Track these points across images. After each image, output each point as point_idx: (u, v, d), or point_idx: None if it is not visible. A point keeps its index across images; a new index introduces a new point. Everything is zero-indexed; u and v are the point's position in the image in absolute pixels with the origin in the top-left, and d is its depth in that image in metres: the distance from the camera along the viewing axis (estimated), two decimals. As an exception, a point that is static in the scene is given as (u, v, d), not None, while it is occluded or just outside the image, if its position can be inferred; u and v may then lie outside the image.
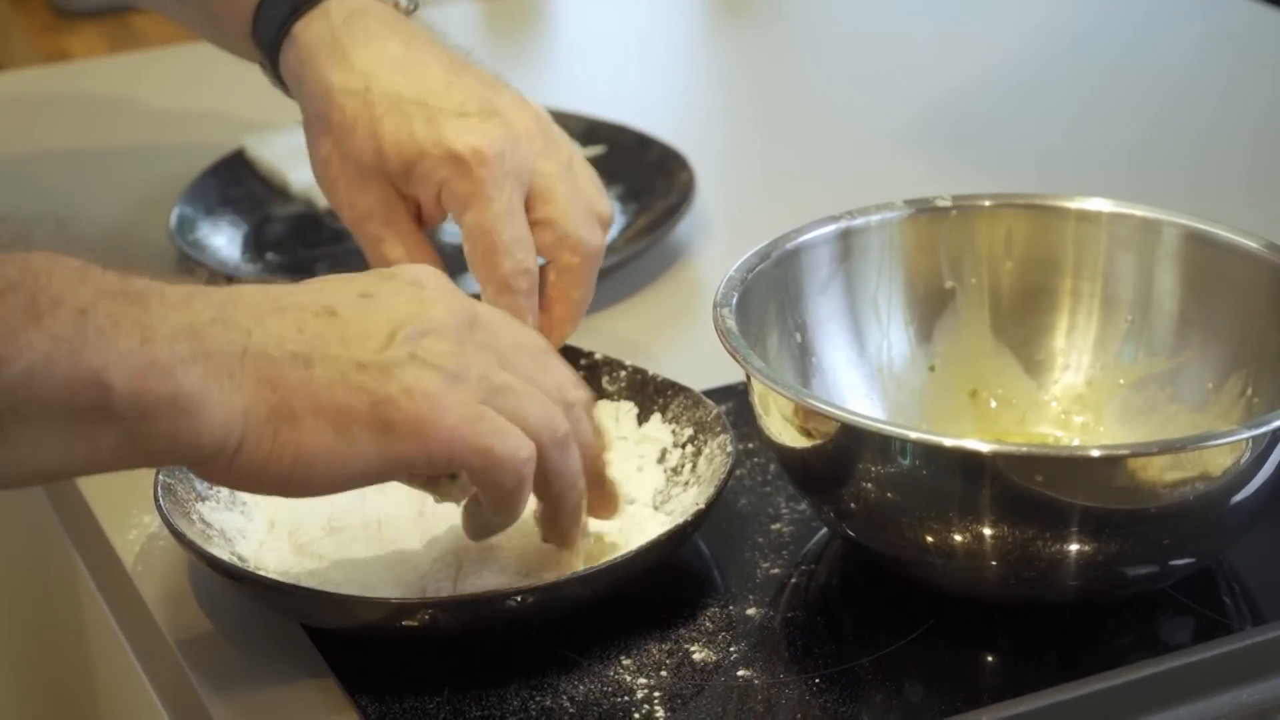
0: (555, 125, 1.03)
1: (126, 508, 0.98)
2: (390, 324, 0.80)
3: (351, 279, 0.83)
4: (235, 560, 0.89)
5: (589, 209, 1.00)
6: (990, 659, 0.89)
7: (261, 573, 0.88)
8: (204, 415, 0.75)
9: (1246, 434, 0.84)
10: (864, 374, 1.00)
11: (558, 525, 0.86)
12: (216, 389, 0.75)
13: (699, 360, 1.04)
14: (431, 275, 0.84)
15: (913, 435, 0.85)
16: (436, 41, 1.05)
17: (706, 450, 0.95)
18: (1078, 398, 1.01)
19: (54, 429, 0.73)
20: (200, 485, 0.93)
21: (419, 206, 1.01)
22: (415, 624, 0.85)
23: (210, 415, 0.75)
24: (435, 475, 0.84)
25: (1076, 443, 1.00)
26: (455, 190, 0.98)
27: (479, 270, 0.97)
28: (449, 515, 0.92)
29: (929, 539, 0.87)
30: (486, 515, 0.84)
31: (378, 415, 0.78)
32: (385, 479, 0.81)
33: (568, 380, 0.86)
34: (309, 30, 1.02)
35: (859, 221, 1.01)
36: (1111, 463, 0.84)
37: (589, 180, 1.03)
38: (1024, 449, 0.87)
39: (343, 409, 0.77)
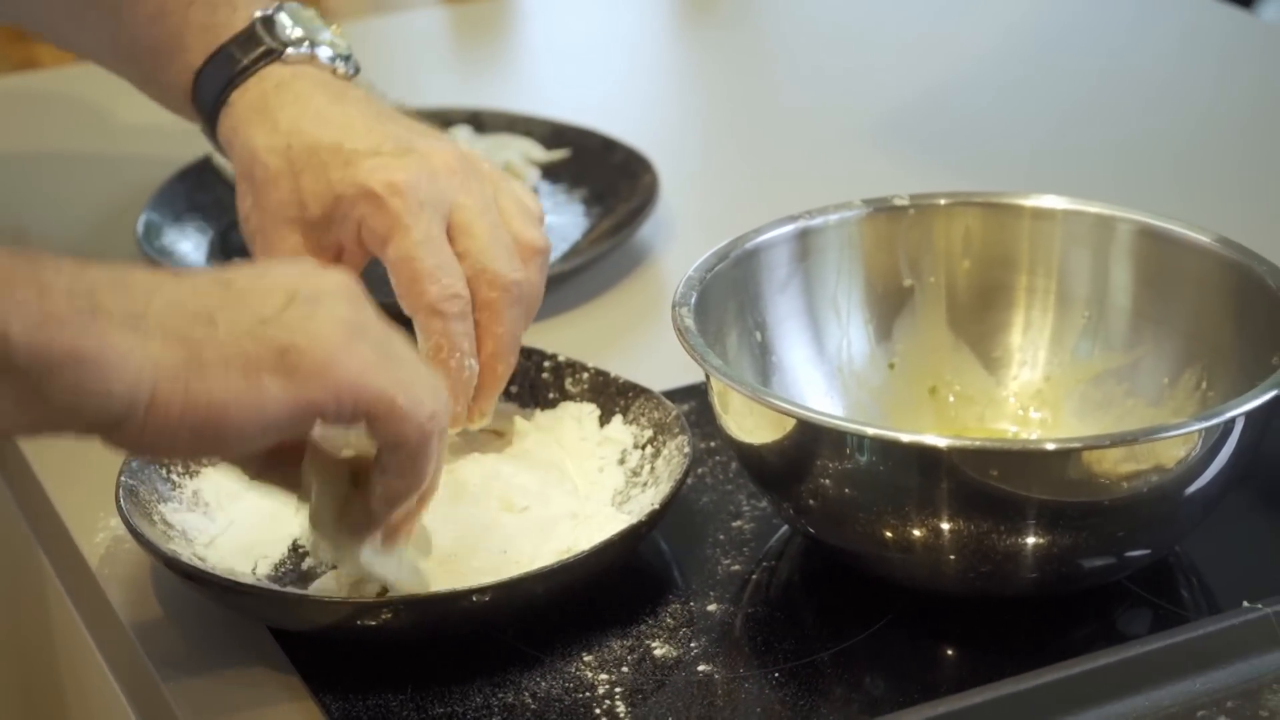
0: (483, 163, 1.02)
1: (93, 510, 0.99)
2: (287, 290, 0.80)
3: (241, 266, 0.84)
4: (197, 561, 0.89)
5: (510, 243, 0.99)
6: (949, 651, 0.89)
7: (221, 574, 0.89)
8: (109, 370, 0.74)
9: (1196, 426, 0.85)
10: (824, 372, 1.01)
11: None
12: (121, 343, 0.75)
13: (663, 361, 1.04)
14: (316, 264, 0.85)
15: (870, 431, 0.86)
16: (367, 97, 1.05)
17: (665, 451, 0.95)
18: (1036, 393, 1.02)
19: None
20: (163, 487, 0.94)
21: (341, 253, 1.01)
22: (374, 624, 0.86)
23: (118, 369, 0.74)
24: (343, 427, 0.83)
25: (1035, 437, 1.01)
26: (373, 226, 0.97)
27: (406, 300, 0.96)
28: (436, 521, 0.93)
29: (887, 534, 0.87)
30: (391, 479, 0.83)
31: (284, 361, 0.78)
32: (297, 429, 0.81)
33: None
34: (244, 98, 1.04)
35: (817, 221, 1.02)
36: (1065, 456, 0.84)
37: (518, 213, 1.01)
38: (979, 443, 0.87)
39: (250, 357, 0.77)
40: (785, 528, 0.97)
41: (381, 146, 0.99)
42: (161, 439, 0.77)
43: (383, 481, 0.83)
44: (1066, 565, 0.88)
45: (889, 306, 1.03)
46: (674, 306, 0.93)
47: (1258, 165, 1.45)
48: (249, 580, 0.90)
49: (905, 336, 1.03)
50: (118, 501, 0.91)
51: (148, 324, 0.76)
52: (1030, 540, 0.86)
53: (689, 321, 0.92)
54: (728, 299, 0.97)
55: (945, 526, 0.86)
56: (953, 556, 0.87)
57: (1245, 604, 0.83)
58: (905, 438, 0.86)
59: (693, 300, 0.94)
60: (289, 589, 0.90)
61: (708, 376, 0.91)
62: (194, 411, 0.76)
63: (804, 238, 1.01)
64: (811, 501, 0.89)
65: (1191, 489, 0.87)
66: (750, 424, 0.90)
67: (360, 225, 0.98)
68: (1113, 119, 1.54)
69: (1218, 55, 1.69)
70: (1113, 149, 1.46)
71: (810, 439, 0.87)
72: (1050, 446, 0.86)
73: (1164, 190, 1.37)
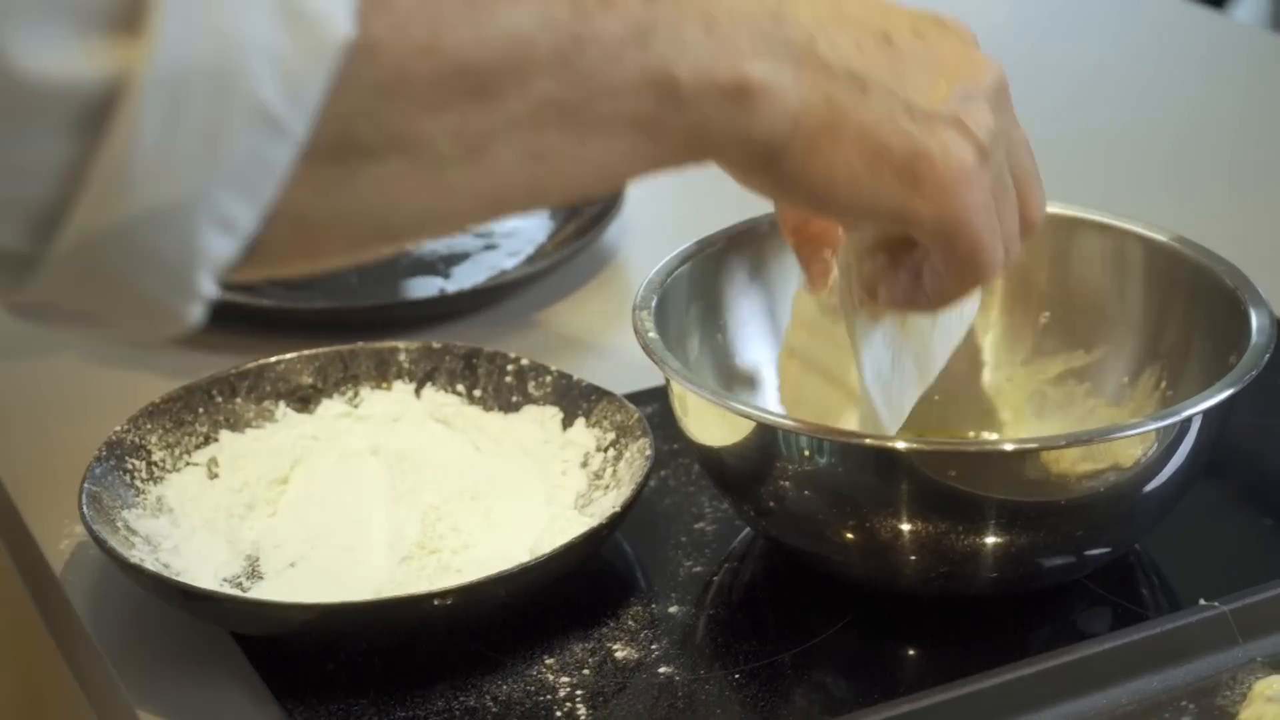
0: None
1: (57, 517, 0.99)
2: (944, 75, 0.76)
3: (897, 9, 0.78)
4: (160, 568, 0.90)
5: None
6: (910, 651, 0.90)
7: (184, 580, 0.89)
8: (762, 110, 0.70)
9: (1152, 426, 0.85)
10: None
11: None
12: (777, 86, 0.70)
13: (627, 363, 1.05)
14: (974, 36, 0.81)
15: (829, 433, 0.86)
16: None
17: (627, 454, 0.96)
18: (998, 394, 1.03)
19: (619, 127, 0.67)
20: (127, 493, 0.94)
21: None
22: (337, 628, 0.86)
23: (768, 112, 0.70)
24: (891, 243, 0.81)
25: (994, 438, 1.01)
26: None
27: None
28: (399, 526, 0.94)
29: (847, 536, 0.88)
30: (939, 281, 0.80)
31: (911, 166, 0.74)
32: (890, 224, 0.78)
33: (1040, 200, 0.84)
34: None
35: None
36: (1022, 457, 0.85)
37: None
38: (936, 445, 0.88)
39: (883, 146, 0.74)
40: (747, 529, 0.97)
41: None
42: (778, 186, 0.74)
43: (931, 275, 0.80)
44: (1026, 565, 0.88)
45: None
46: (635, 309, 0.93)
47: (1223, 166, 1.46)
48: (212, 586, 0.90)
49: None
50: (80, 508, 0.91)
51: (804, 73, 0.72)
52: (990, 540, 0.86)
53: (649, 324, 0.92)
54: (690, 301, 0.98)
55: (905, 528, 0.86)
56: (913, 557, 0.87)
57: (1202, 602, 0.84)
58: (864, 440, 0.86)
59: (654, 303, 0.94)
60: (252, 594, 0.91)
61: (668, 379, 0.92)
62: (811, 177, 0.73)
63: (766, 240, 1.01)
64: (772, 504, 0.89)
65: (1150, 487, 0.87)
66: (710, 427, 0.91)
67: None
68: (1079, 119, 1.54)
69: (1188, 55, 1.70)
70: (1078, 149, 1.47)
71: (769, 442, 0.88)
72: (1008, 447, 0.87)
73: (1129, 190, 1.38)
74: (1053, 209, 1.01)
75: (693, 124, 0.68)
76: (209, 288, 0.60)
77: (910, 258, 0.81)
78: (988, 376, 1.03)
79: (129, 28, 0.54)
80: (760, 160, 0.72)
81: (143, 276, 0.58)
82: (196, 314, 0.61)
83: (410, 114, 0.61)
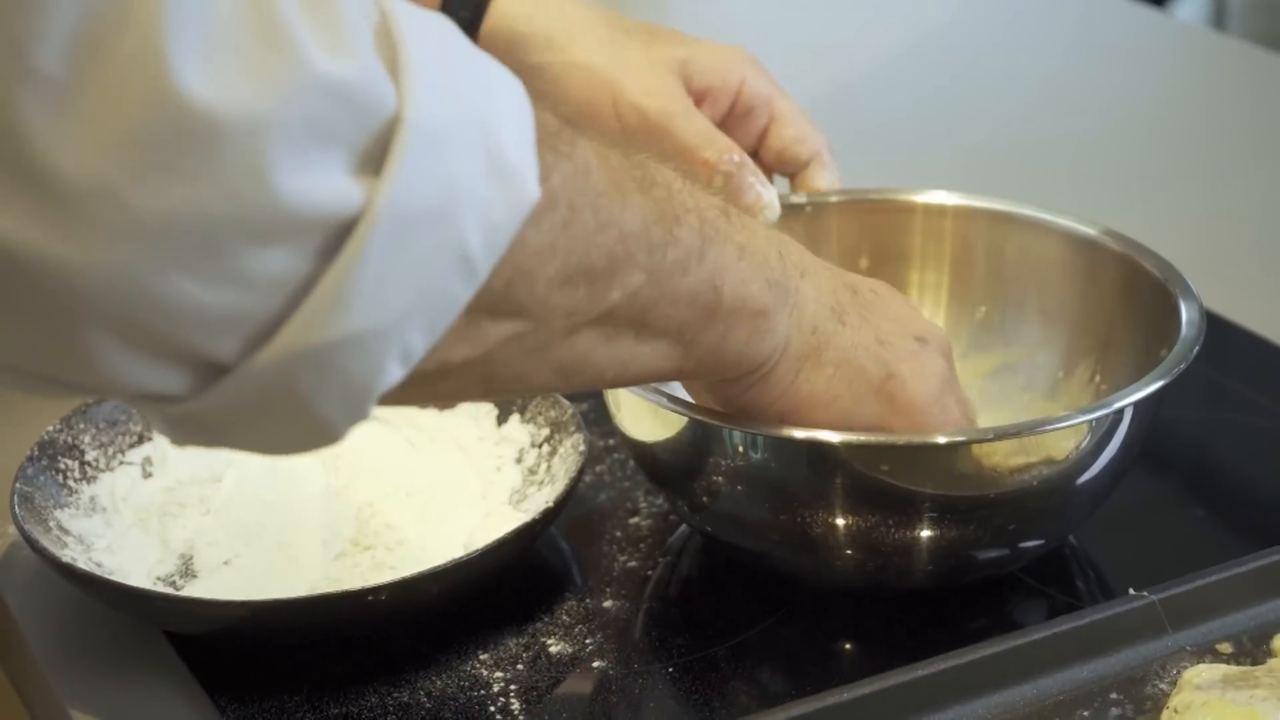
0: None
1: (-10, 518, 0.99)
2: (900, 319, 0.85)
3: (846, 272, 0.86)
4: (93, 567, 0.89)
5: None
6: (844, 644, 0.90)
7: (116, 579, 0.88)
8: (765, 334, 0.78)
9: (1082, 419, 0.86)
10: None
11: None
12: (780, 315, 0.78)
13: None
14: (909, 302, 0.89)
15: (761, 429, 0.86)
16: None
17: (561, 449, 0.96)
18: None
19: (667, 332, 0.73)
20: (60, 493, 0.94)
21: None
22: (269, 625, 0.86)
23: (772, 334, 0.78)
24: None
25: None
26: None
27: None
28: (334, 523, 0.93)
29: (782, 531, 0.88)
30: None
31: (886, 388, 0.83)
32: None
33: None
34: None
35: None
36: (954, 450, 0.85)
37: None
38: (869, 439, 0.87)
39: (859, 370, 0.82)
40: (682, 524, 0.97)
41: None
42: (753, 406, 0.82)
43: None
44: (960, 557, 0.88)
45: None
46: None
47: (1161, 162, 1.47)
48: (145, 585, 0.90)
49: None
50: (12, 509, 0.90)
51: (795, 300, 0.79)
52: (923, 534, 0.86)
53: None
54: None
55: (838, 522, 0.86)
56: (848, 551, 0.87)
57: (1131, 591, 0.84)
58: (797, 434, 0.86)
59: None
60: (185, 593, 0.90)
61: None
62: (792, 396, 0.81)
63: None
64: (705, 499, 0.90)
65: (1082, 480, 0.88)
66: (643, 423, 0.91)
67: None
68: (1018, 116, 1.55)
69: (1129, 54, 1.71)
70: (1017, 144, 1.48)
71: (702, 438, 0.88)
72: (940, 440, 0.87)
73: (1065, 185, 1.38)
74: (981, 204, 1.03)
75: (717, 338, 0.76)
76: (370, 412, 0.62)
77: None
78: None
79: (375, 167, 0.58)
80: (749, 378, 0.80)
81: (324, 397, 0.60)
82: (347, 434, 0.63)
83: (550, 283, 0.66)
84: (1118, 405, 0.86)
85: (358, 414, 0.61)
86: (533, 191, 0.62)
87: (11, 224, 0.53)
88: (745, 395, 0.81)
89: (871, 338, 0.83)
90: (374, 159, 0.57)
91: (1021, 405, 1.01)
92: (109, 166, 0.53)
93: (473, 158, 0.60)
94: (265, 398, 0.59)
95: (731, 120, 1.05)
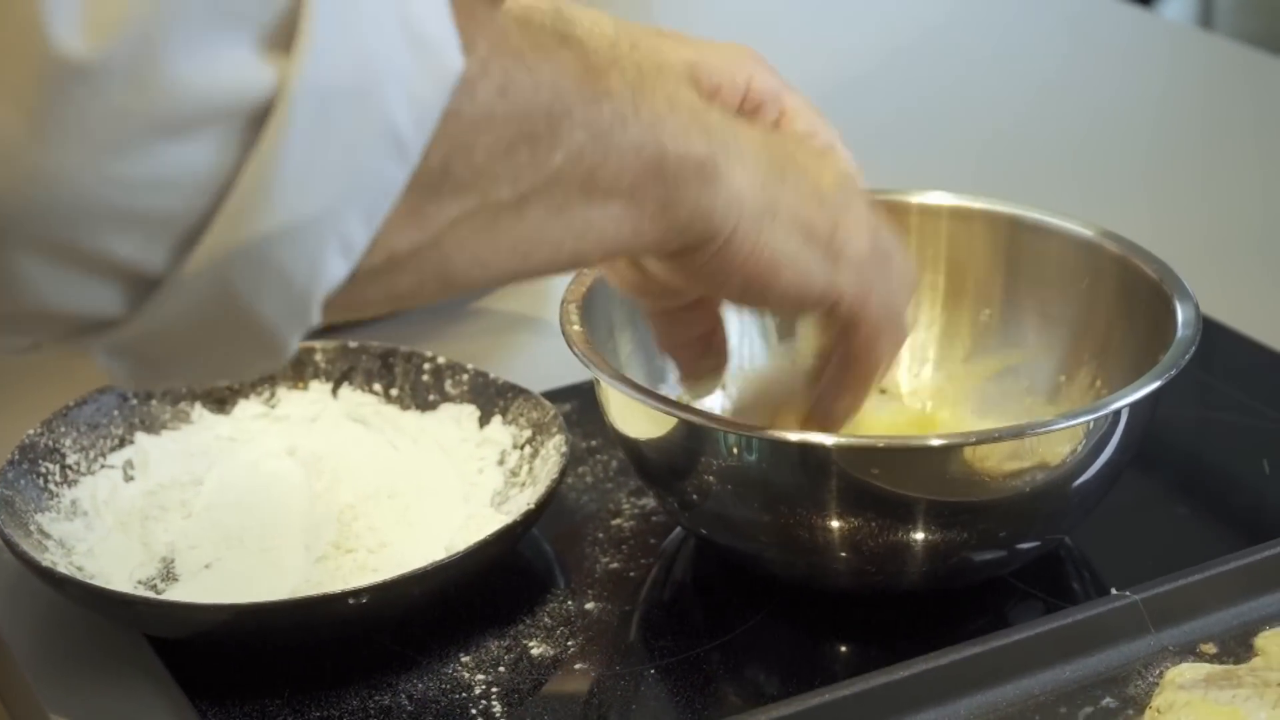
0: None
1: (-29, 522, 0.98)
2: (823, 169, 0.81)
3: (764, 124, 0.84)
4: (74, 571, 0.89)
5: None
6: (829, 645, 0.90)
7: (97, 582, 0.88)
8: (718, 188, 0.73)
9: (1073, 422, 0.85)
10: None
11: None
12: (725, 165, 0.74)
13: (546, 361, 1.05)
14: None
15: (756, 431, 0.86)
16: None
17: (543, 451, 0.95)
18: (937, 391, 1.02)
19: (617, 193, 0.70)
20: (40, 496, 0.93)
21: None
22: (250, 628, 0.86)
23: (723, 189, 0.74)
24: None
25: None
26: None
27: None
28: (316, 526, 0.93)
29: (774, 533, 0.88)
30: (842, 380, 0.85)
31: (834, 241, 0.79)
32: (813, 307, 0.81)
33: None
34: None
35: None
36: (948, 453, 0.85)
37: None
38: (862, 442, 0.87)
39: (810, 224, 0.78)
40: (665, 525, 0.97)
41: None
42: (718, 275, 0.77)
43: (835, 376, 0.85)
44: (956, 560, 0.88)
45: None
46: (563, 304, 0.93)
47: (1151, 162, 1.47)
48: (126, 589, 0.90)
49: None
50: (-9, 512, 0.90)
51: (739, 156, 0.75)
52: (917, 537, 0.86)
53: (575, 317, 0.92)
54: (620, 297, 0.97)
55: (833, 525, 0.86)
56: (841, 554, 0.87)
57: (1114, 591, 0.84)
58: (790, 437, 0.86)
59: (582, 298, 0.93)
60: (166, 596, 0.90)
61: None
62: (756, 259, 0.76)
63: None
64: (695, 499, 0.89)
65: (1078, 482, 0.87)
66: (634, 422, 0.90)
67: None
68: (1008, 116, 1.55)
69: (1117, 53, 1.71)
70: (1007, 146, 1.47)
71: (693, 438, 0.87)
72: (934, 443, 0.86)
73: (1057, 186, 1.38)
74: (978, 205, 1.02)
75: (668, 197, 0.71)
76: (318, 316, 0.60)
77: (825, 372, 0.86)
78: (927, 375, 1.03)
79: (284, 44, 0.55)
80: (709, 244, 0.75)
81: (265, 298, 0.58)
82: (296, 346, 0.61)
83: (490, 152, 0.63)
84: (1109, 409, 0.85)
85: (303, 318, 0.59)
86: (455, 61, 0.60)
87: None
88: (711, 264, 0.76)
89: (812, 189, 0.79)
90: (282, 37, 0.55)
91: (1024, 409, 1.00)
92: None
93: (388, 30, 0.57)
94: (202, 309, 0.57)
95: (569, 45, 1.03)
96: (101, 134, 0.53)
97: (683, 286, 0.82)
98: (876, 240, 0.81)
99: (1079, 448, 0.86)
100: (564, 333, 0.91)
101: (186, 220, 0.56)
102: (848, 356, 0.83)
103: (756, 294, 0.78)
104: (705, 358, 0.90)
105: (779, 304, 0.81)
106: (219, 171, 0.55)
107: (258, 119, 0.55)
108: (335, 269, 0.59)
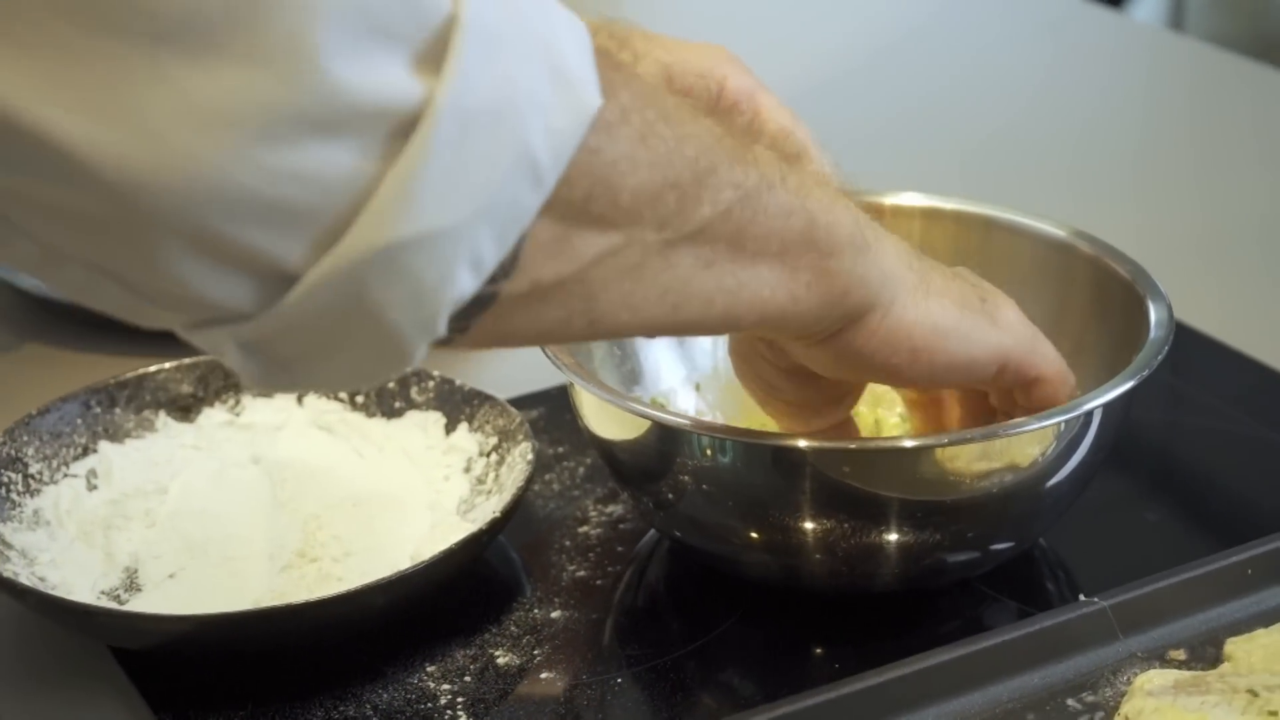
0: None
1: (-67, 533, 0.98)
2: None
3: None
4: (36, 582, 0.88)
5: None
6: (804, 648, 0.89)
7: (59, 594, 0.87)
8: (873, 259, 0.76)
9: (1037, 425, 0.85)
10: (690, 369, 1.01)
11: None
12: (874, 239, 0.77)
13: (514, 366, 1.04)
14: None
15: (727, 434, 0.86)
16: None
17: (509, 458, 0.95)
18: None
19: (767, 255, 0.72)
20: (2, 507, 0.92)
21: None
22: (214, 639, 0.85)
23: (878, 260, 0.77)
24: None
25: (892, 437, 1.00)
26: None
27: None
28: (280, 535, 0.93)
29: (747, 534, 0.87)
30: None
31: (986, 309, 0.82)
32: (979, 377, 0.83)
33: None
34: None
35: None
36: (918, 454, 0.84)
37: None
38: (834, 444, 0.86)
39: (961, 296, 0.81)
40: (633, 532, 0.96)
41: None
42: (888, 346, 0.79)
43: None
44: (929, 561, 0.88)
45: None
46: None
47: (1122, 163, 1.47)
48: (89, 600, 0.89)
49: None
50: (-48, 523, 0.89)
51: (883, 235, 0.78)
52: (891, 538, 0.86)
53: None
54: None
55: (806, 525, 0.86)
56: (816, 555, 0.87)
57: (1082, 597, 0.84)
58: (762, 440, 0.85)
59: None
60: (129, 607, 0.89)
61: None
62: (921, 327, 0.79)
63: None
64: (669, 497, 0.89)
65: (1050, 483, 0.87)
66: (607, 423, 0.90)
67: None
68: (979, 117, 1.54)
69: (1087, 54, 1.71)
70: (979, 146, 1.47)
71: (667, 440, 0.87)
72: (907, 444, 0.86)
73: (1029, 187, 1.38)
74: (950, 205, 1.02)
75: (822, 265, 0.74)
76: (444, 327, 0.61)
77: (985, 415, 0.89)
78: None
79: (434, 64, 0.58)
80: (873, 314, 0.77)
81: (395, 303, 0.60)
82: (422, 355, 0.62)
83: (635, 194, 0.66)
84: (1081, 410, 0.85)
85: (430, 327, 0.61)
86: (594, 99, 0.62)
87: (69, 120, 0.54)
88: (874, 339, 0.79)
89: (948, 269, 0.83)
90: (433, 59, 0.58)
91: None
92: (161, 49, 0.54)
93: (532, 62, 0.60)
94: (334, 309, 0.59)
95: (715, 115, 1.03)
96: (257, 126, 0.55)
97: (832, 372, 0.83)
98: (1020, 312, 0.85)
99: (1050, 449, 0.86)
100: None
101: (327, 219, 0.58)
102: (1029, 411, 0.86)
103: (924, 365, 0.80)
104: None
105: (947, 374, 0.82)
106: (363, 175, 0.58)
107: (405, 130, 0.58)
108: (465, 283, 0.61)
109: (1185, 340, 1.13)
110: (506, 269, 0.62)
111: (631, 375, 0.98)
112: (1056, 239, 0.99)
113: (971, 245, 1.02)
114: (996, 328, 0.82)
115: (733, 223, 0.70)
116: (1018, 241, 1.01)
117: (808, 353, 0.81)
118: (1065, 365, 0.86)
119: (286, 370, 0.62)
